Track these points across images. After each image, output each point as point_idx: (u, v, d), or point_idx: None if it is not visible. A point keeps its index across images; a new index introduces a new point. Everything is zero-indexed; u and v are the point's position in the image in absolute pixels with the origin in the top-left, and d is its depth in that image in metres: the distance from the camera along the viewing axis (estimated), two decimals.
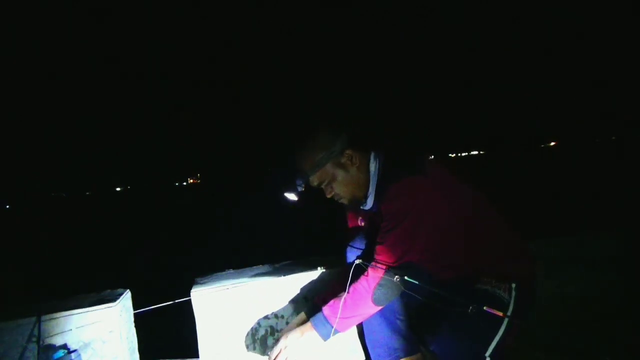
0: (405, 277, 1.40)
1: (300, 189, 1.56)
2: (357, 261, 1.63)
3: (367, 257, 1.63)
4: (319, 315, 1.51)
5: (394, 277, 1.42)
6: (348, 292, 1.48)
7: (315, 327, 1.50)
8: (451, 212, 1.46)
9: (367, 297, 1.47)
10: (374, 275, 1.45)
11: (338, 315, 1.47)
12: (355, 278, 1.70)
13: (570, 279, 2.18)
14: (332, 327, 1.47)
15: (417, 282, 1.40)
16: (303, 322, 1.62)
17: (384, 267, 1.44)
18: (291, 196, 1.57)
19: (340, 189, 1.56)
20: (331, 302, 1.51)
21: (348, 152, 1.52)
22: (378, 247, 1.48)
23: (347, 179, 1.54)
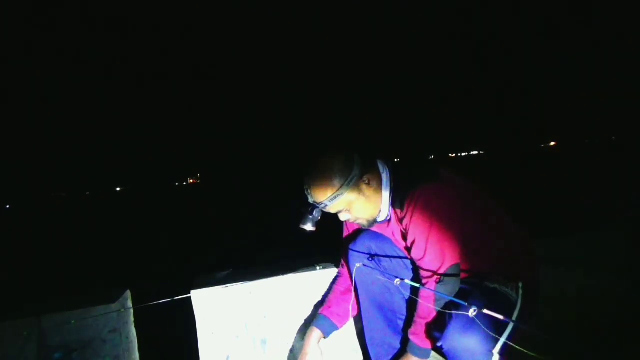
0: (456, 279, 1.45)
1: (317, 219, 1.56)
2: (358, 264, 1.64)
3: (375, 264, 1.66)
4: (410, 343, 1.53)
5: (446, 284, 1.44)
6: (418, 316, 1.50)
7: (413, 353, 1.52)
8: (466, 215, 1.49)
9: (432, 313, 1.47)
10: (429, 293, 1.45)
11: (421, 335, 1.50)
12: (361, 283, 1.72)
13: (570, 279, 2.19)
14: (427, 348, 1.51)
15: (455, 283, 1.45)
16: (314, 335, 1.70)
17: (433, 279, 1.46)
18: (308, 227, 1.56)
19: (359, 213, 1.55)
20: (413, 328, 1.52)
21: (366, 176, 1.51)
22: (419, 262, 1.50)
23: (366, 202, 1.53)
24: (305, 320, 1.93)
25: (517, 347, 0.98)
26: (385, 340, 1.74)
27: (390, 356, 1.73)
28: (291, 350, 1.91)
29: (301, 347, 1.74)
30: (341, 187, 1.46)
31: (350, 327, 1.95)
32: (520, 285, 1.43)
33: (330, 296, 1.80)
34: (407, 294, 1.71)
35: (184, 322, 1.96)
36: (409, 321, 1.68)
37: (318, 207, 1.53)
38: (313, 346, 1.70)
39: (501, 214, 1.60)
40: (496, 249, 1.52)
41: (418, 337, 1.49)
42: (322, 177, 1.48)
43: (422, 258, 1.48)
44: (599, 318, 2.08)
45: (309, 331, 1.74)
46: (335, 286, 1.82)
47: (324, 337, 1.73)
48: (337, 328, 1.75)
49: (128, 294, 2.01)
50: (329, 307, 1.76)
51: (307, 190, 1.51)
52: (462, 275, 1.49)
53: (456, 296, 1.40)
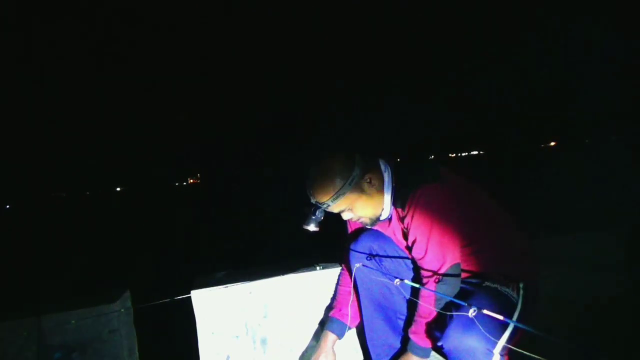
0: (456, 278, 1.46)
1: (320, 219, 1.56)
2: (358, 265, 1.64)
3: (376, 265, 1.66)
4: (411, 342, 1.53)
5: (447, 284, 1.45)
6: (419, 315, 1.50)
7: (414, 352, 1.52)
8: (467, 215, 1.50)
9: (432, 313, 1.47)
10: (429, 293, 1.45)
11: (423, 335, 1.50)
12: (361, 282, 1.72)
13: (570, 279, 2.18)
14: (427, 347, 1.51)
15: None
16: (329, 339, 1.71)
17: (433, 279, 1.47)
18: (311, 227, 1.56)
19: (361, 212, 1.56)
20: (413, 327, 1.52)
21: (368, 175, 1.51)
22: (420, 262, 1.51)
23: (368, 201, 1.54)
24: (318, 323, 1.94)
25: (517, 347, 0.99)
26: (386, 340, 1.74)
27: (391, 356, 1.73)
28: (304, 353, 1.92)
29: (315, 350, 1.76)
30: (343, 186, 1.47)
31: None
32: (521, 285, 1.44)
33: (339, 298, 1.81)
34: (408, 294, 1.71)
35: (184, 322, 1.96)
36: (409, 321, 1.68)
37: (321, 207, 1.53)
38: (328, 349, 1.72)
39: (502, 214, 1.61)
40: (497, 249, 1.53)
41: (418, 336, 1.49)
42: (323, 177, 1.48)
43: (423, 257, 1.48)
44: (599, 318, 2.08)
45: (323, 335, 1.75)
46: (341, 287, 1.83)
47: (339, 339, 1.75)
48: (350, 328, 1.77)
49: (128, 294, 2.01)
50: (340, 310, 1.77)
51: (310, 191, 1.51)
52: (463, 275, 1.50)
53: (457, 296, 1.40)
